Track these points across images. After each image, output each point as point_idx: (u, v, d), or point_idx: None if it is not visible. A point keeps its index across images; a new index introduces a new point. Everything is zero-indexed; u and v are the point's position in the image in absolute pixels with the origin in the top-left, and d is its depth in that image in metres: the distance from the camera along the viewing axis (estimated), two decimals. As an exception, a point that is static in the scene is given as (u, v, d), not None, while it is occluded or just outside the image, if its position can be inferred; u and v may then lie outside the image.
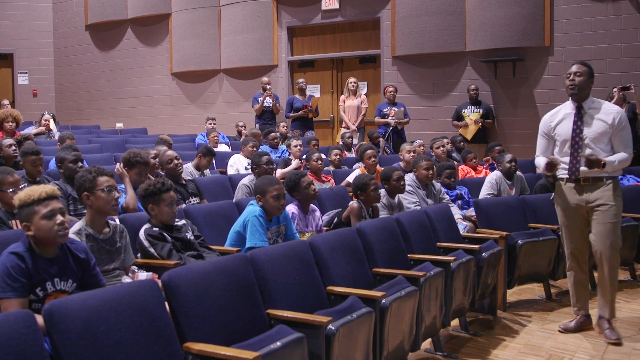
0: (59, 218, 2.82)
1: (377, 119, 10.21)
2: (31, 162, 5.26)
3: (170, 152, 5.73)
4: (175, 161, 5.63)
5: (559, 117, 4.56)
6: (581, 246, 4.64)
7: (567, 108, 4.55)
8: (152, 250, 3.81)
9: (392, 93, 10.27)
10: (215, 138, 9.55)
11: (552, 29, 9.84)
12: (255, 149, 7.83)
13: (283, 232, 4.47)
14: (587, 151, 4.37)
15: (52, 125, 9.69)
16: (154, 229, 3.88)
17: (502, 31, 9.92)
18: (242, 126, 10.93)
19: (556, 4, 9.80)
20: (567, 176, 4.51)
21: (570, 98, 4.52)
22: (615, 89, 8.58)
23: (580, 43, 9.66)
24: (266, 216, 4.33)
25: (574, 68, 4.48)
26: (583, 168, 4.41)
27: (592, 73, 4.50)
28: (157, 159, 5.88)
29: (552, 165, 4.47)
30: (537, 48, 9.92)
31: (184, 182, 5.66)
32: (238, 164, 7.78)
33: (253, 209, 4.34)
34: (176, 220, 4.04)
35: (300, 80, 11.08)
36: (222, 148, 9.62)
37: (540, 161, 4.63)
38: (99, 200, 3.48)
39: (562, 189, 4.59)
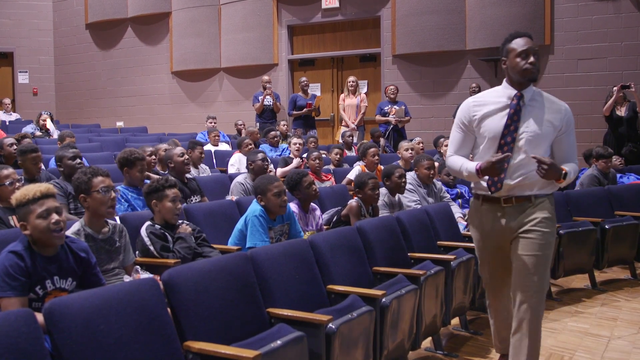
0: (55, 217, 2.81)
1: (378, 117, 10.21)
2: (32, 159, 5.27)
3: (180, 147, 5.76)
4: (186, 156, 5.68)
5: (488, 108, 3.32)
6: (504, 280, 3.50)
7: (499, 95, 3.34)
8: (152, 248, 3.81)
9: (393, 92, 10.27)
10: (216, 137, 9.56)
11: (553, 28, 9.84)
12: (251, 146, 7.86)
13: (287, 230, 4.46)
14: (521, 156, 3.21)
15: (49, 124, 9.69)
16: (156, 226, 3.88)
17: (503, 30, 9.90)
18: (241, 125, 10.94)
19: (556, 2, 9.80)
20: (484, 192, 3.36)
21: (505, 82, 3.36)
22: (615, 88, 8.61)
23: (580, 42, 9.66)
24: (269, 215, 4.32)
25: (528, 44, 3.30)
26: (508, 180, 3.24)
27: None
28: (154, 156, 5.87)
29: (494, 168, 3.18)
30: (537, 46, 9.90)
31: (185, 180, 5.67)
32: (239, 162, 7.78)
33: (254, 208, 4.33)
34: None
35: (303, 79, 11.07)
36: (223, 147, 9.62)
37: (464, 164, 3.36)
38: (95, 201, 3.46)
39: (478, 209, 3.44)
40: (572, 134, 3.33)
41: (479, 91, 9.96)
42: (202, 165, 7.21)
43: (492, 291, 3.61)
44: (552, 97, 3.36)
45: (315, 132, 10.82)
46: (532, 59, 3.26)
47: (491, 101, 3.34)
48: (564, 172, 3.17)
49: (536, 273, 3.22)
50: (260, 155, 6.00)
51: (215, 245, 4.17)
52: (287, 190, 4.50)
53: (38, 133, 9.57)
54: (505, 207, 3.30)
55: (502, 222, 3.33)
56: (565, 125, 3.29)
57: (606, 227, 5.82)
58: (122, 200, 4.85)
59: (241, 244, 4.30)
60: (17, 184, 4.21)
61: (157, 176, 4.71)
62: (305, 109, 10.68)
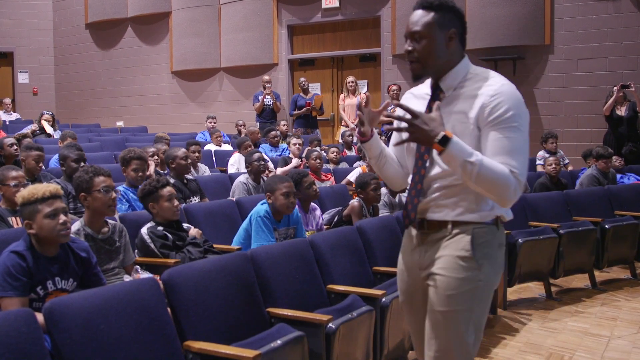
0: (62, 217, 2.82)
1: (381, 118, 10.17)
2: (34, 157, 5.27)
3: (184, 149, 5.78)
4: (189, 159, 5.71)
5: (413, 103, 2.39)
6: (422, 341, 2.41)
7: (427, 85, 2.43)
8: (152, 245, 3.80)
9: (395, 92, 10.28)
10: (219, 138, 9.53)
11: (553, 28, 9.82)
12: (251, 147, 7.85)
13: (292, 234, 4.44)
14: (435, 168, 2.29)
15: (45, 125, 9.64)
16: (159, 228, 3.87)
17: (503, 29, 9.91)
18: (241, 125, 10.94)
19: (557, 2, 9.78)
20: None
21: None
22: (615, 87, 8.60)
23: (580, 41, 9.65)
24: (275, 216, 4.32)
25: (413, 19, 2.29)
26: (421, 198, 2.32)
27: (452, 19, 2.30)
28: (155, 157, 5.87)
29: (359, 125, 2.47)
30: (537, 46, 9.91)
31: (185, 181, 5.67)
32: (239, 162, 7.78)
33: (259, 208, 4.33)
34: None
35: (302, 79, 11.14)
36: (226, 147, 9.61)
37: None
38: (96, 201, 3.47)
39: (404, 238, 2.53)
40: (507, 130, 2.17)
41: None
42: (201, 165, 7.21)
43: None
44: (489, 76, 2.28)
45: (318, 132, 10.86)
46: (406, 45, 2.32)
47: (418, 93, 2.47)
48: (442, 134, 2.11)
49: (438, 337, 2.27)
50: (255, 156, 5.99)
51: (215, 245, 4.17)
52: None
53: (34, 127, 9.53)
54: (421, 233, 2.37)
55: (414, 256, 2.41)
56: (488, 114, 2.19)
57: (606, 226, 5.82)
58: (124, 200, 4.85)
59: (246, 242, 4.30)
60: (22, 188, 4.21)
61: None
62: (304, 108, 10.73)
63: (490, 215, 2.28)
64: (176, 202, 3.94)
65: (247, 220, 4.40)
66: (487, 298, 2.29)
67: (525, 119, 2.21)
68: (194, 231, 4.03)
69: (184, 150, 5.72)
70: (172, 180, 4.81)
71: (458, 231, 2.27)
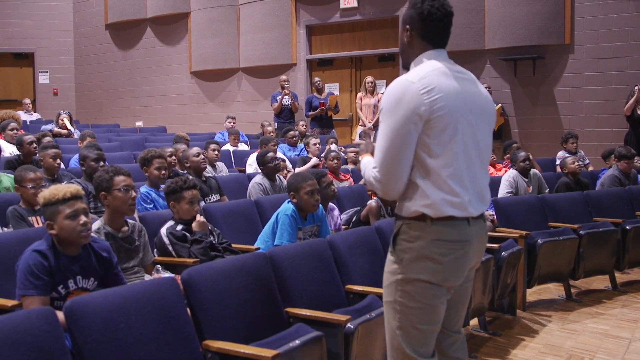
0: (83, 218, 2.84)
1: None
2: (51, 155, 5.31)
3: (197, 148, 5.89)
4: (202, 156, 5.81)
5: (441, 80, 2.50)
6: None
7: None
8: (170, 248, 3.82)
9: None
10: (236, 140, 9.53)
11: (573, 27, 9.75)
12: (275, 148, 7.85)
13: (317, 232, 4.45)
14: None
15: (66, 122, 9.73)
16: (178, 227, 3.89)
17: (522, 29, 9.85)
18: (267, 124, 10.94)
19: (577, 1, 9.71)
20: None
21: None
22: (636, 87, 8.53)
23: (601, 41, 9.57)
24: (301, 214, 4.32)
25: None
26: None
27: (411, 16, 2.48)
28: (173, 157, 5.91)
29: None
30: (557, 46, 9.84)
31: (204, 178, 5.71)
32: (256, 162, 7.78)
33: (286, 207, 4.33)
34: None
35: (316, 79, 11.18)
36: (242, 147, 9.63)
37: None
38: (116, 200, 3.50)
39: None
40: (380, 127, 2.34)
41: (491, 91, 9.98)
42: (219, 164, 7.24)
43: None
44: (416, 68, 2.47)
45: (334, 132, 10.85)
46: None
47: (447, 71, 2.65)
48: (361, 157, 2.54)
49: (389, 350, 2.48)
50: (269, 157, 6.02)
51: (234, 245, 4.18)
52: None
53: (56, 129, 9.61)
54: None
55: None
56: (380, 108, 2.37)
57: (627, 227, 5.76)
58: (148, 201, 4.88)
59: (271, 241, 4.30)
60: (40, 189, 4.25)
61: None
62: (319, 109, 10.75)
63: (414, 212, 2.34)
64: (197, 207, 3.96)
65: (272, 218, 4.39)
66: (416, 294, 2.35)
67: (392, 113, 2.28)
68: (195, 224, 3.99)
69: (196, 148, 5.83)
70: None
71: (397, 225, 2.43)
